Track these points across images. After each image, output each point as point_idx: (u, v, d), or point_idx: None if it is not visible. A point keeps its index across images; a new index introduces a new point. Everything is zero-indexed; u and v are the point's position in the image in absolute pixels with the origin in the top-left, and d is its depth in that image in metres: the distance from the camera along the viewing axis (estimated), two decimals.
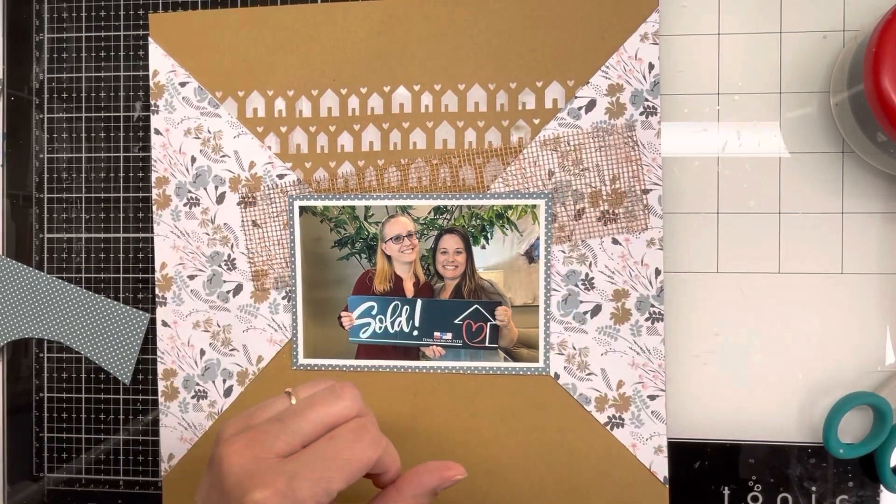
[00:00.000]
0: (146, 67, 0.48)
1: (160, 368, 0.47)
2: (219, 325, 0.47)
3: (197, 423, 0.47)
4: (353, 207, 0.45)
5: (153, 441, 0.48)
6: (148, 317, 0.48)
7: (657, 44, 0.43)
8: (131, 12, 0.48)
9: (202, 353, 0.47)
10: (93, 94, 0.48)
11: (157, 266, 0.47)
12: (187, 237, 0.47)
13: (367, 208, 0.45)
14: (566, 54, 0.44)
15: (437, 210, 0.44)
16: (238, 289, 0.46)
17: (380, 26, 0.45)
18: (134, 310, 0.48)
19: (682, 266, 0.44)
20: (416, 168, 0.44)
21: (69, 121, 0.49)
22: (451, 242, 0.44)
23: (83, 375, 0.49)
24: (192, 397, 0.47)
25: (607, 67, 0.43)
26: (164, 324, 0.47)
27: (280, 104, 0.46)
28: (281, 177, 0.46)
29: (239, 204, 0.46)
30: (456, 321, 0.45)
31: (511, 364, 0.44)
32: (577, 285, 0.44)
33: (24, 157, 0.49)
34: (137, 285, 0.48)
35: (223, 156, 0.46)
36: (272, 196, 0.46)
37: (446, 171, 0.44)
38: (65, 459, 0.49)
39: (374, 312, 0.45)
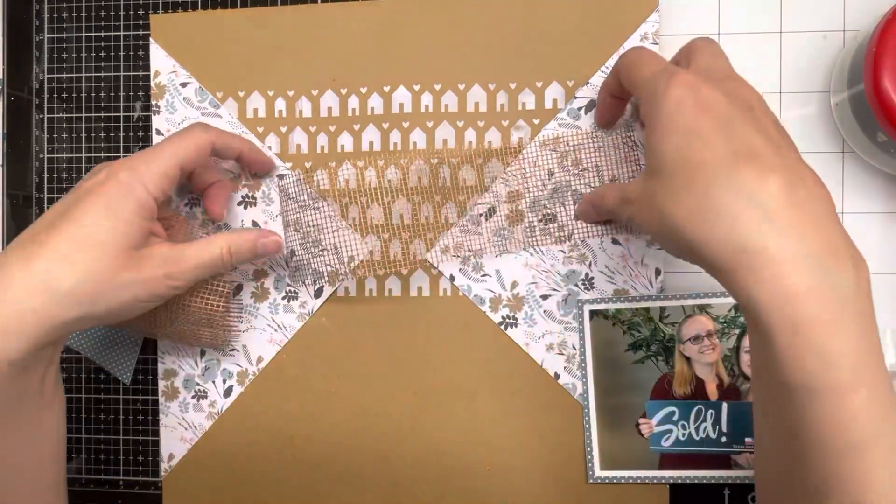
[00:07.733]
0: (146, 67, 0.48)
1: (160, 368, 0.47)
2: None
3: (197, 423, 0.47)
4: (647, 309, 0.43)
5: (153, 441, 0.48)
6: None
7: (657, 44, 0.43)
8: (131, 12, 0.48)
9: (202, 353, 0.47)
10: (93, 94, 0.48)
11: None
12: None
13: (661, 308, 0.43)
14: (566, 54, 0.44)
15: (738, 308, 0.41)
16: (238, 289, 0.46)
17: (380, 26, 0.45)
18: None
19: (682, 266, 0.44)
20: (417, 168, 0.44)
21: (69, 121, 0.49)
22: None
23: (83, 375, 0.49)
24: (193, 397, 0.47)
25: (607, 67, 0.43)
26: None
27: (280, 104, 0.46)
28: (281, 177, 0.46)
29: (239, 204, 0.46)
30: None
31: None
32: (577, 285, 0.44)
33: (24, 157, 0.49)
34: None
35: None
36: (272, 196, 0.46)
37: (446, 172, 0.44)
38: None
39: (675, 418, 0.43)
